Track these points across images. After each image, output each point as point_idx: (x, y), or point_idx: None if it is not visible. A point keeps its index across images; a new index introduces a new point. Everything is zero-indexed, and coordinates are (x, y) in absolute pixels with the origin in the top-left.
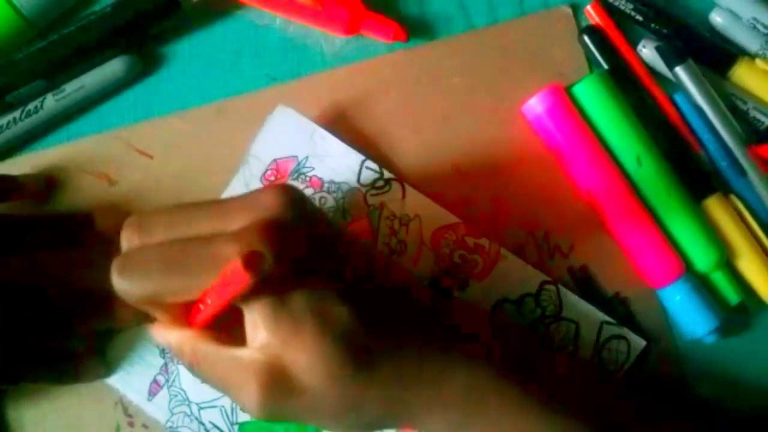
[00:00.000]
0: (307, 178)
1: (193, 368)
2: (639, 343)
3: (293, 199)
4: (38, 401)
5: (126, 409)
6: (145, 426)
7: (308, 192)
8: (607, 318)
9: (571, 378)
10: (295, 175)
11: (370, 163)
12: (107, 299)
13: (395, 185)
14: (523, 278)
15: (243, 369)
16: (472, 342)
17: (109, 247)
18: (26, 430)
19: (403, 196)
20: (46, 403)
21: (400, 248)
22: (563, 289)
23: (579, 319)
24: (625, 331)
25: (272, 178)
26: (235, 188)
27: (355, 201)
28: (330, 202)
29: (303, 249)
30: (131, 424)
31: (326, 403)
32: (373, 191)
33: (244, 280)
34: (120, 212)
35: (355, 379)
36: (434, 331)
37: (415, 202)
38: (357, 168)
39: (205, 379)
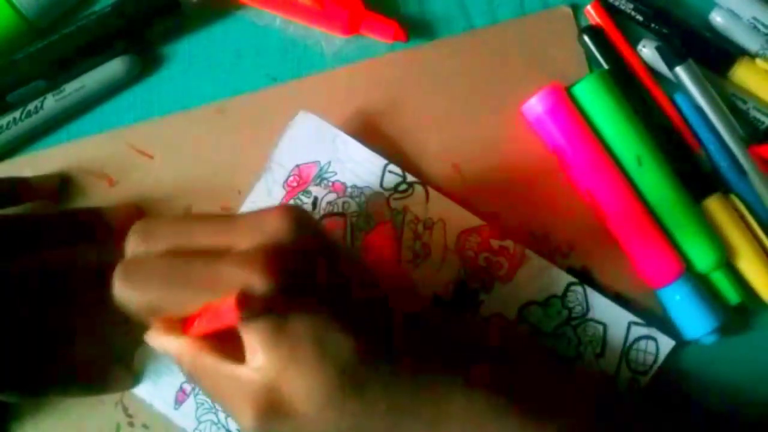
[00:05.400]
0: (330, 183)
1: (191, 378)
2: (668, 343)
3: (299, 221)
4: (38, 401)
5: (126, 409)
6: (145, 426)
7: (331, 197)
8: (635, 318)
9: (579, 395)
10: (318, 180)
11: (392, 167)
12: None
13: (418, 188)
14: (549, 279)
15: (240, 388)
16: (474, 363)
17: (120, 241)
18: (26, 431)
19: (427, 200)
20: (46, 404)
21: (424, 252)
22: (590, 290)
23: (606, 319)
24: (654, 331)
25: (294, 184)
26: (258, 194)
27: (378, 205)
28: (353, 206)
29: (305, 272)
30: (131, 424)
31: (320, 429)
32: (396, 195)
33: (234, 317)
34: (129, 207)
35: (351, 406)
36: (436, 355)
37: (439, 205)
38: (379, 172)
39: (202, 390)
